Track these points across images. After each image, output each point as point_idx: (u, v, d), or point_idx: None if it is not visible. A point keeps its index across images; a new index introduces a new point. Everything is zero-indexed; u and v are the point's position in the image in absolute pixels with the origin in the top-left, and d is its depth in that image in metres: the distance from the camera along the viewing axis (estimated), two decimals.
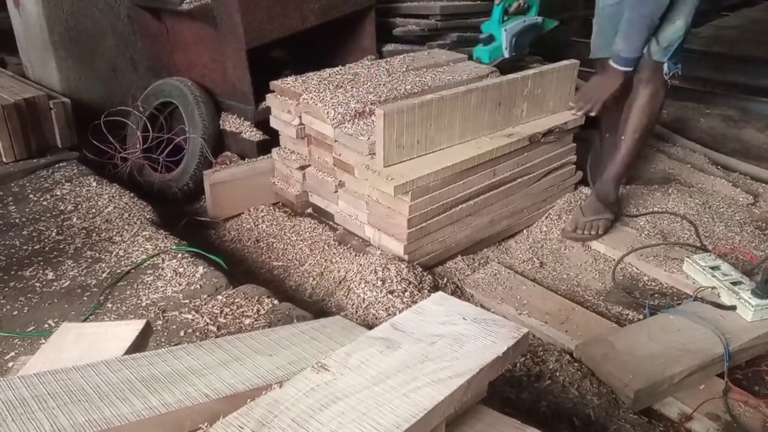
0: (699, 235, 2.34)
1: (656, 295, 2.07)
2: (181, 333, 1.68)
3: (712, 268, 2.00)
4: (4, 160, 2.60)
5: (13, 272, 1.97)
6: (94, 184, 2.48)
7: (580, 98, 2.37)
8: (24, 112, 2.58)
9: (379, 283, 1.92)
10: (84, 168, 2.64)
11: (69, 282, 1.92)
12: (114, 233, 2.16)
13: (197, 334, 1.68)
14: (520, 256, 2.32)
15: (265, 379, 1.11)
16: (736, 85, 3.99)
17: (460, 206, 2.18)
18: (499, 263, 2.24)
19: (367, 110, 2.28)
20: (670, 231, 2.39)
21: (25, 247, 2.10)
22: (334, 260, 2.17)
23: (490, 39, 2.54)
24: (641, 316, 1.96)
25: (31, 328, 1.72)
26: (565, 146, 2.51)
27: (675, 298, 2.04)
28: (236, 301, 1.78)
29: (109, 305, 1.81)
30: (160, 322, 1.72)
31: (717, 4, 5.83)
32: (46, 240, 2.14)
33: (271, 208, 2.58)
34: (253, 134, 2.74)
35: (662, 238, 2.33)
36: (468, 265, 2.22)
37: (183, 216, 2.58)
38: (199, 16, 2.75)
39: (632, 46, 2.18)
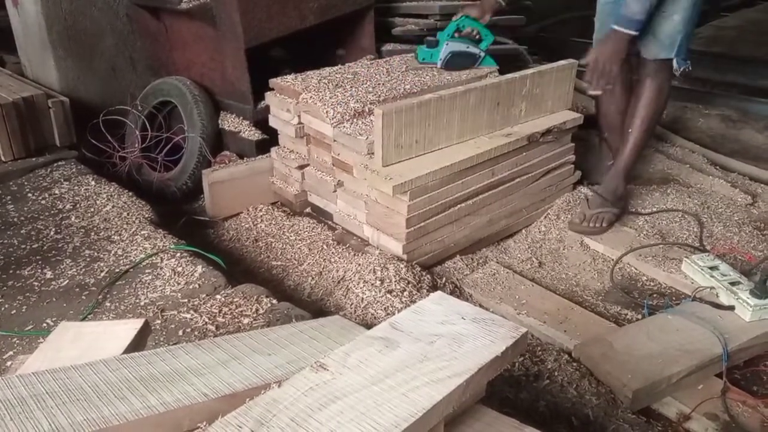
0: (702, 234, 2.34)
1: (655, 295, 2.08)
2: (180, 332, 1.68)
3: (711, 268, 2.00)
4: (3, 159, 2.60)
5: (11, 271, 1.96)
6: (93, 183, 2.48)
7: (591, 73, 2.24)
8: (22, 111, 2.58)
9: (378, 282, 1.92)
10: (83, 167, 2.63)
11: (67, 281, 1.92)
12: (112, 232, 2.16)
13: (196, 333, 1.67)
14: (519, 255, 2.32)
15: (263, 379, 1.11)
16: (736, 86, 3.99)
17: (459, 206, 2.18)
18: (497, 263, 2.24)
19: (367, 110, 2.28)
20: (668, 231, 2.40)
21: (23, 246, 2.09)
22: (332, 260, 2.17)
23: (435, 44, 2.61)
24: (640, 316, 1.96)
25: (29, 327, 1.72)
26: (564, 146, 2.51)
27: (673, 298, 2.04)
28: (235, 300, 1.78)
29: (108, 304, 1.81)
30: (159, 322, 1.72)
31: (716, 5, 5.83)
32: (44, 239, 2.14)
33: (269, 207, 2.58)
34: (251, 133, 2.74)
35: (661, 238, 2.33)
36: (467, 265, 2.23)
37: (182, 215, 2.58)
38: (198, 15, 2.75)
39: (638, 8, 2.10)
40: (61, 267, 1.98)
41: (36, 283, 1.91)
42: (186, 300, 1.81)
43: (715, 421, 1.54)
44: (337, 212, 2.33)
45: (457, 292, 2.07)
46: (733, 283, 1.90)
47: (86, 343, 1.26)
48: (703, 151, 3.13)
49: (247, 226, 2.50)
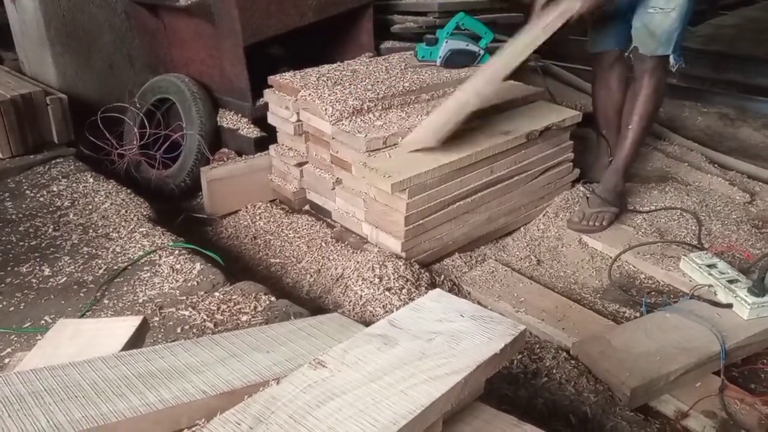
0: (700, 232, 2.34)
1: (653, 293, 2.08)
2: (178, 329, 1.68)
3: (709, 266, 2.00)
4: (1, 156, 2.59)
5: (9, 268, 1.96)
6: (91, 180, 2.48)
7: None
8: (20, 108, 2.58)
9: (377, 280, 1.92)
10: (81, 164, 2.63)
11: (65, 278, 1.92)
12: (111, 229, 2.16)
13: (194, 330, 1.67)
14: (518, 253, 2.33)
15: (262, 376, 1.11)
16: (734, 84, 3.99)
17: (458, 204, 2.18)
18: (496, 261, 2.24)
19: (365, 107, 2.28)
20: (667, 229, 2.40)
21: (21, 243, 2.09)
22: (331, 257, 2.16)
23: (434, 42, 2.61)
24: (638, 314, 1.96)
25: (27, 324, 1.71)
26: (562, 144, 2.51)
27: (672, 296, 2.04)
28: (233, 297, 1.78)
29: (106, 301, 1.81)
30: (157, 319, 1.72)
31: (715, 3, 5.83)
32: (42, 236, 2.13)
33: (268, 205, 2.57)
34: (250, 131, 2.73)
35: (659, 236, 2.33)
36: (465, 263, 2.23)
37: (180, 212, 2.57)
38: (196, 12, 2.74)
39: None
40: (60, 264, 1.98)
41: (34, 280, 1.91)
42: (184, 297, 1.81)
43: (712, 419, 1.54)
44: (336, 210, 2.33)
45: (456, 289, 2.07)
46: (731, 281, 1.90)
47: (84, 341, 1.26)
48: (701, 149, 3.13)
49: (245, 223, 2.49)
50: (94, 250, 2.05)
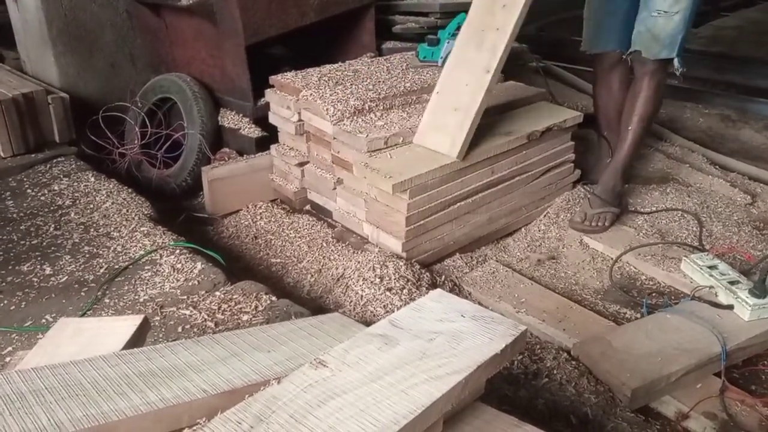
0: (701, 234, 2.34)
1: (654, 294, 2.08)
2: (179, 329, 1.68)
3: (710, 267, 2.00)
4: (2, 155, 2.60)
5: (10, 267, 1.96)
6: (92, 179, 2.48)
7: None
8: (22, 107, 2.58)
9: (378, 280, 1.92)
10: (82, 163, 2.63)
11: (67, 277, 1.92)
12: (112, 229, 2.16)
13: (195, 330, 1.67)
14: (518, 254, 2.33)
15: (263, 375, 1.11)
16: (735, 86, 3.99)
17: (459, 204, 2.18)
18: (497, 261, 2.24)
19: (367, 107, 2.28)
20: (668, 230, 2.40)
21: (22, 242, 2.09)
22: (332, 257, 2.17)
23: (436, 42, 2.61)
24: (639, 315, 1.96)
25: (28, 323, 1.72)
26: (564, 144, 2.51)
27: (672, 297, 2.04)
28: (234, 297, 1.78)
29: (107, 301, 1.81)
30: (158, 318, 1.72)
31: (716, 5, 5.83)
32: (43, 235, 2.14)
33: (269, 204, 2.57)
34: (251, 131, 2.73)
35: (660, 238, 2.33)
36: (466, 263, 2.23)
37: (181, 212, 2.57)
38: (198, 11, 2.74)
39: None
40: (61, 263, 1.98)
41: (35, 279, 1.91)
42: (185, 297, 1.81)
43: (713, 420, 1.54)
44: (337, 210, 2.33)
45: (457, 290, 2.07)
46: (732, 283, 1.90)
47: (85, 339, 1.26)
48: (702, 150, 3.13)
49: (246, 223, 2.50)
50: (95, 249, 2.05)
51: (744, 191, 2.70)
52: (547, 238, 2.39)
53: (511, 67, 2.66)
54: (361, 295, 1.90)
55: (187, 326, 1.69)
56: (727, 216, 2.50)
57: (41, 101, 2.64)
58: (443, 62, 2.62)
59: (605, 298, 2.08)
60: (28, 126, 2.62)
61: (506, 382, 1.59)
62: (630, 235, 2.34)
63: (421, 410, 0.92)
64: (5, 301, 1.80)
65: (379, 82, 2.45)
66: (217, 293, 1.81)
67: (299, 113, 2.37)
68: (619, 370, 1.63)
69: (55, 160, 2.63)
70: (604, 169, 2.52)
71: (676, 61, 2.27)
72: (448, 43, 2.60)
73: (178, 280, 1.88)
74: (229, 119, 2.82)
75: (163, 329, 1.68)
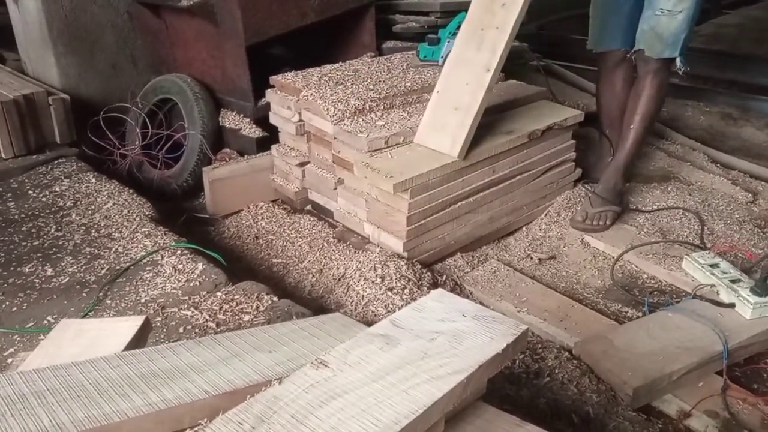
0: (702, 232, 2.34)
1: (655, 293, 2.08)
2: (181, 329, 1.68)
3: (711, 265, 2.00)
4: (3, 156, 2.60)
5: (12, 268, 1.96)
6: (93, 180, 2.48)
7: None
8: (23, 109, 2.58)
9: (379, 280, 1.92)
10: (83, 164, 2.63)
11: (68, 278, 1.92)
12: (113, 230, 2.16)
13: (196, 330, 1.68)
14: (519, 253, 2.32)
15: (264, 376, 1.11)
16: (736, 83, 3.98)
17: (460, 203, 2.18)
18: (498, 260, 2.24)
19: (367, 107, 2.28)
20: (669, 228, 2.39)
21: (24, 244, 2.10)
22: (333, 257, 2.17)
23: (436, 42, 2.61)
24: (640, 314, 1.96)
25: (30, 325, 1.72)
26: (565, 143, 2.51)
27: (674, 296, 2.04)
28: (235, 297, 1.78)
29: (108, 301, 1.81)
30: (160, 319, 1.72)
31: (717, 2, 5.82)
32: (45, 236, 2.14)
33: (270, 205, 2.58)
34: (252, 131, 2.74)
35: (661, 236, 2.33)
36: (467, 263, 2.23)
37: (182, 213, 2.58)
38: (198, 12, 2.74)
39: None
40: (62, 264, 1.98)
41: (37, 281, 1.91)
42: (187, 297, 1.81)
43: (715, 419, 1.54)
44: (338, 210, 2.33)
45: (458, 289, 2.07)
46: (733, 281, 1.89)
47: (87, 340, 1.26)
48: (703, 148, 3.13)
49: (247, 223, 2.50)
50: (96, 250, 2.05)
51: (745, 189, 2.70)
52: (549, 237, 2.39)
53: (512, 66, 2.66)
54: (363, 295, 1.90)
55: (189, 327, 1.69)
56: (729, 214, 2.50)
57: (42, 102, 2.64)
58: (444, 61, 2.62)
59: (606, 297, 2.07)
60: (29, 127, 2.62)
61: (508, 382, 1.59)
62: (631, 234, 2.34)
63: (423, 410, 0.92)
64: (7, 303, 1.80)
65: (380, 81, 2.45)
66: (219, 294, 1.81)
67: (300, 113, 2.37)
68: (621, 368, 1.62)
69: (56, 162, 2.64)
70: (606, 168, 2.52)
71: (678, 61, 2.27)
72: (448, 42, 2.60)
73: (179, 281, 1.88)
74: (229, 120, 2.82)
75: (164, 330, 1.68)
